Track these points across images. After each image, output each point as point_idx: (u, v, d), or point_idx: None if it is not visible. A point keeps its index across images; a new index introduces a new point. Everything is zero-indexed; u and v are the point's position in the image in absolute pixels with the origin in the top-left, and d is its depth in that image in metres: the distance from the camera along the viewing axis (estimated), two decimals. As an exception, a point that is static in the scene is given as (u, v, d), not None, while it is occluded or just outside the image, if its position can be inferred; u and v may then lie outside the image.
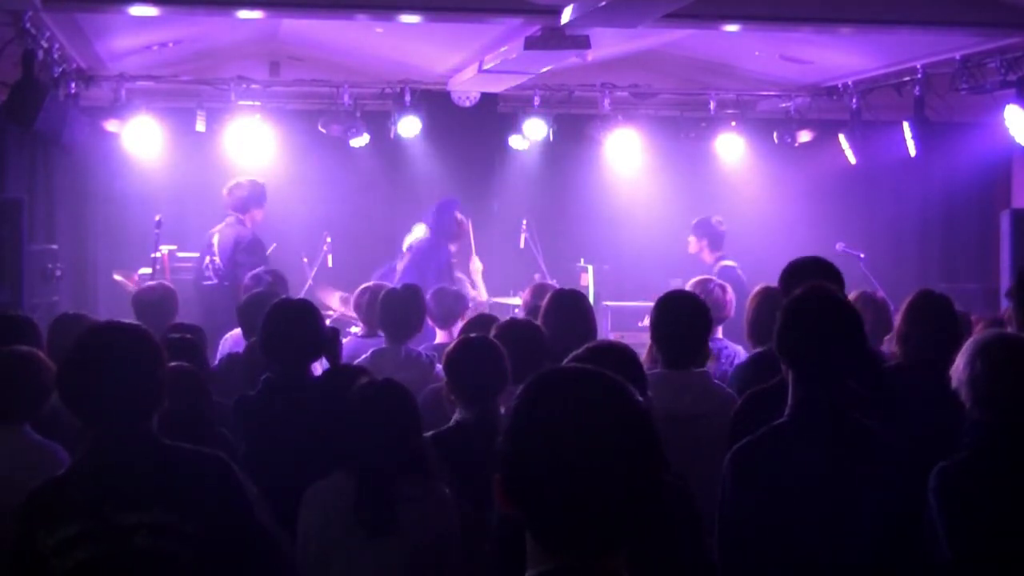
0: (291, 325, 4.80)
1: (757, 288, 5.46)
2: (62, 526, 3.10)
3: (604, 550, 1.85)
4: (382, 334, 6.15)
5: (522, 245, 10.01)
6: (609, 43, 8.33)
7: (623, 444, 1.83)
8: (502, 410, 4.34)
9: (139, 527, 3.11)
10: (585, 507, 1.82)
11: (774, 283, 5.12)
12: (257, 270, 7.54)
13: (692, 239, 9.59)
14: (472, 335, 4.84)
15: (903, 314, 5.07)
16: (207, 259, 8.93)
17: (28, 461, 4.12)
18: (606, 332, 8.70)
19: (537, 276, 9.33)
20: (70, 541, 3.09)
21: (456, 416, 4.45)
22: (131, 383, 3.18)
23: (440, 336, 6.69)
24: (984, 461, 3.60)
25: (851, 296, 5.36)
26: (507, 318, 5.85)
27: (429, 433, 4.29)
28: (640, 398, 1.90)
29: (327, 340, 4.88)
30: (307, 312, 4.91)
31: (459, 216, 8.99)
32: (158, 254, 9.09)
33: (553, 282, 8.69)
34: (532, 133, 10.53)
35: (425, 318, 6.37)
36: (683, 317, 4.81)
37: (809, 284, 3.72)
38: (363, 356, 5.97)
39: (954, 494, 3.54)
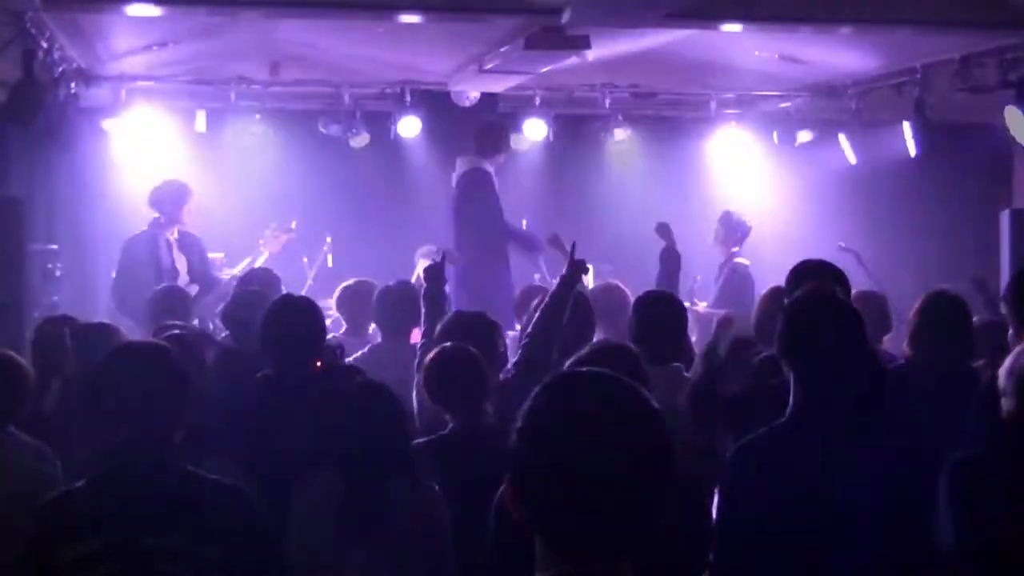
0: (293, 321, 4.75)
1: (766, 290, 5.44)
2: (83, 541, 3.06)
3: (615, 554, 1.84)
4: (374, 331, 6.10)
5: (522, 245, 9.98)
6: (609, 43, 8.31)
7: (638, 448, 1.82)
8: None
9: (161, 552, 3.07)
10: (598, 510, 1.80)
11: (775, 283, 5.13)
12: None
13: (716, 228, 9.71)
14: (447, 344, 4.68)
15: (915, 314, 5.06)
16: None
17: (18, 459, 4.16)
18: (606, 332, 8.68)
19: (537, 276, 9.32)
20: (91, 557, 3.05)
21: (449, 423, 4.45)
22: (157, 401, 3.17)
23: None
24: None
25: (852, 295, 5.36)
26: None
27: (422, 440, 4.29)
28: (655, 402, 1.88)
29: (329, 350, 4.86)
30: (309, 310, 4.88)
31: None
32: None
33: (553, 282, 8.68)
34: (532, 133, 10.52)
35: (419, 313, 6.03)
36: (662, 313, 5.04)
37: (810, 285, 3.73)
38: (356, 355, 5.91)
39: (967, 487, 3.52)
